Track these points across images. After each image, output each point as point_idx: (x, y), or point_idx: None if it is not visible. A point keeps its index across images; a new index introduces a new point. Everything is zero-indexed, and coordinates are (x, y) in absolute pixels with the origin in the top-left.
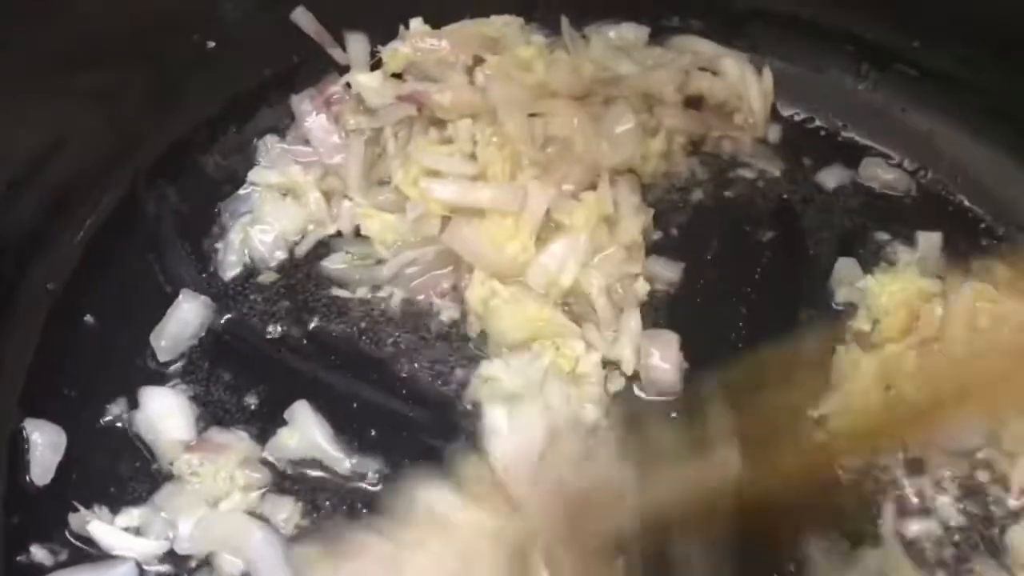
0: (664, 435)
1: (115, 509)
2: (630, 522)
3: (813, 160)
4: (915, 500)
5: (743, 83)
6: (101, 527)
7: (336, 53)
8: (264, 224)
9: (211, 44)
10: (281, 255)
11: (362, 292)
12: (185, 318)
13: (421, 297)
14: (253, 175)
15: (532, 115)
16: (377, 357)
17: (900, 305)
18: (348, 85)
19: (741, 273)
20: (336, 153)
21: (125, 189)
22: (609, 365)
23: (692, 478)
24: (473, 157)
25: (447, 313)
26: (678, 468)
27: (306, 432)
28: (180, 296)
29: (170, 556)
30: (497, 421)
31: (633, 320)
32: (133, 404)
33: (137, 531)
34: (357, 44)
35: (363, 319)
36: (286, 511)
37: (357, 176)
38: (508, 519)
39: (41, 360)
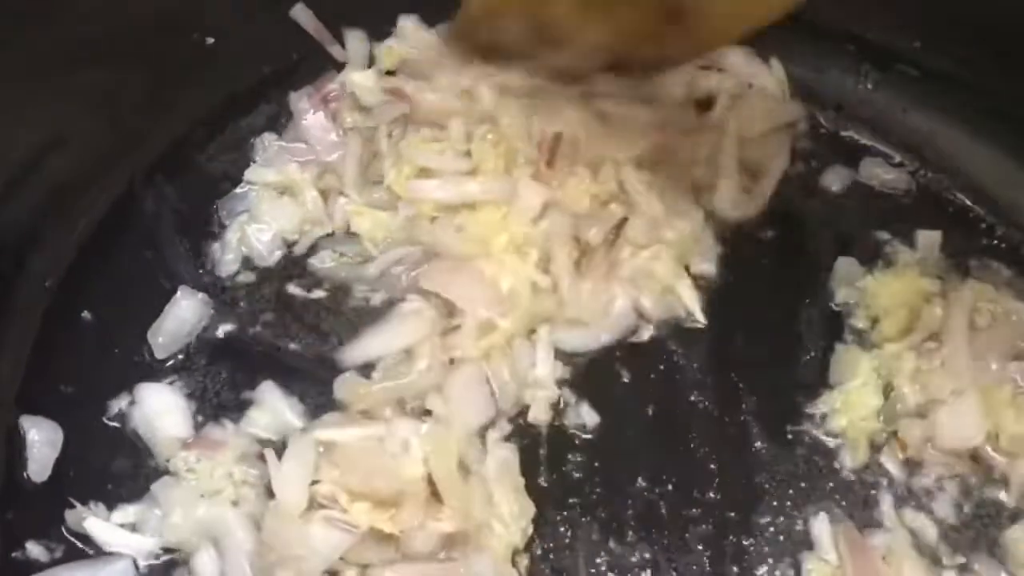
0: None
1: (111, 506)
2: None
3: (813, 160)
4: (914, 500)
5: (752, 73)
6: (97, 524)
7: (335, 50)
8: (261, 223)
9: (210, 41)
10: (279, 253)
11: (357, 289)
12: (182, 315)
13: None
14: (250, 174)
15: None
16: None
17: (900, 304)
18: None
19: (741, 273)
20: (333, 151)
21: (123, 187)
22: None
23: None
24: (467, 154)
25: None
26: None
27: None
28: (178, 293)
29: (166, 552)
30: None
31: None
32: (130, 401)
33: (133, 528)
34: (356, 41)
35: (354, 317)
36: None
37: (354, 174)
38: None
39: (38, 357)
